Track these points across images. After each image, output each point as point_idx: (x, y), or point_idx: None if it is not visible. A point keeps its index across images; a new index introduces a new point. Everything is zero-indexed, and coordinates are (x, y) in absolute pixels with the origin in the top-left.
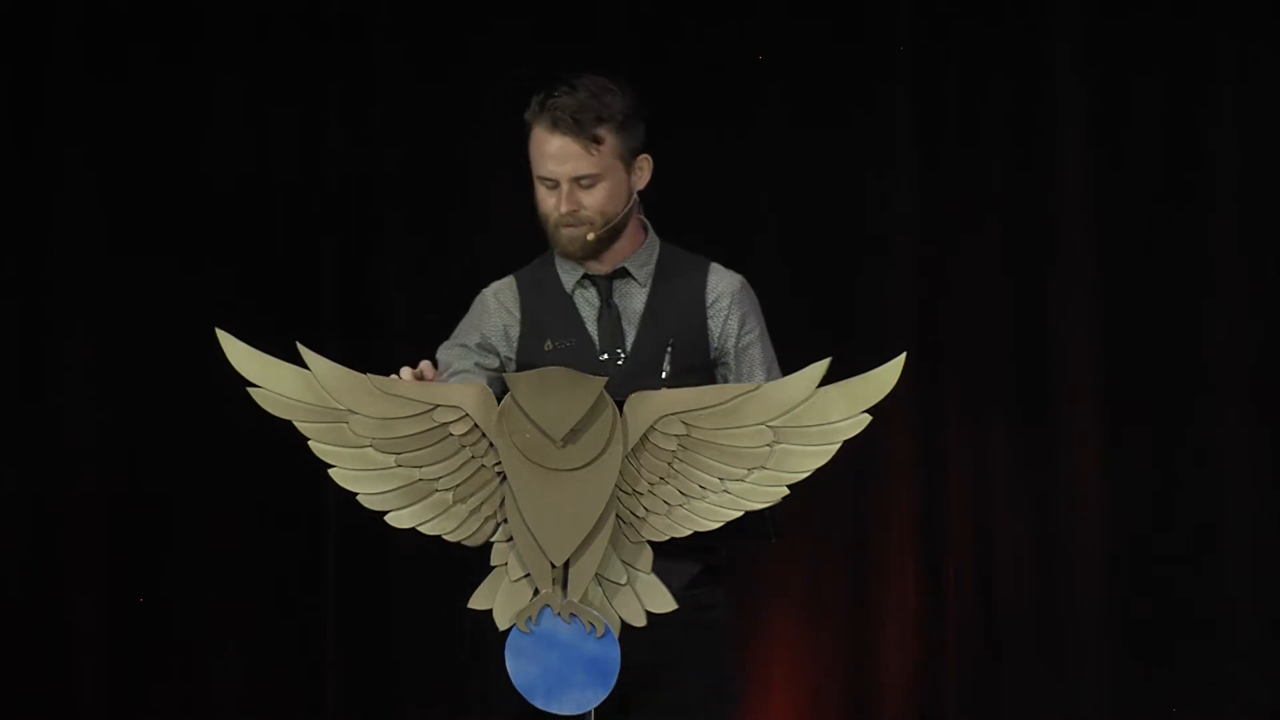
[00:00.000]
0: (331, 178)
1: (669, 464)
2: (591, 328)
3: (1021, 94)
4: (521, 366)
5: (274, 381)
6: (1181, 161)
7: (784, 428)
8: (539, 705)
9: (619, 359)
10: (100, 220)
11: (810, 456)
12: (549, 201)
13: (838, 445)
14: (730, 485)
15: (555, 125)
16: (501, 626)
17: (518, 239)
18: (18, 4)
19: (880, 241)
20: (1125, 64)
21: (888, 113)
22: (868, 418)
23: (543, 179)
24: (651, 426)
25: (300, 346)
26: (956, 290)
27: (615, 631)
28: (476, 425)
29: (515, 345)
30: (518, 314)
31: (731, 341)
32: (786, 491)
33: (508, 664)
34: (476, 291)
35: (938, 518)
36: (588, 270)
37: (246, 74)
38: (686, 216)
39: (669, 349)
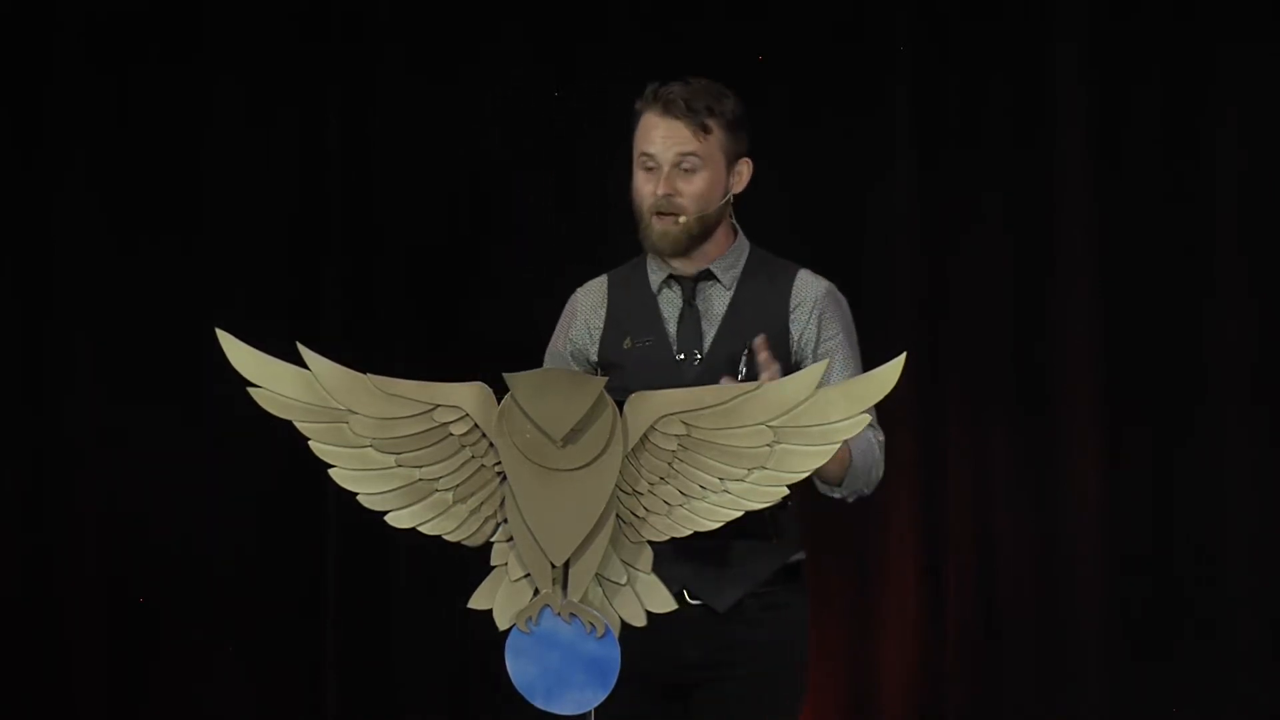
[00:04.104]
0: (332, 178)
1: (669, 464)
2: (671, 328)
3: (1021, 94)
4: (603, 363)
5: (274, 381)
6: (1181, 162)
7: (784, 428)
8: (539, 705)
9: (695, 360)
10: (100, 220)
11: (810, 456)
12: (646, 186)
13: (838, 445)
14: (730, 485)
15: (667, 109)
16: (501, 626)
17: (518, 239)
18: (19, 3)
19: (880, 241)
20: (1126, 64)
21: (888, 113)
22: (868, 418)
23: (645, 156)
24: (651, 426)
25: (300, 346)
26: (956, 290)
27: (615, 631)
28: (476, 425)
29: (598, 343)
30: (604, 312)
31: (811, 347)
32: (786, 491)
33: (508, 664)
34: (477, 291)
35: (938, 518)
36: (673, 271)
37: (246, 74)
38: None
39: (745, 352)
